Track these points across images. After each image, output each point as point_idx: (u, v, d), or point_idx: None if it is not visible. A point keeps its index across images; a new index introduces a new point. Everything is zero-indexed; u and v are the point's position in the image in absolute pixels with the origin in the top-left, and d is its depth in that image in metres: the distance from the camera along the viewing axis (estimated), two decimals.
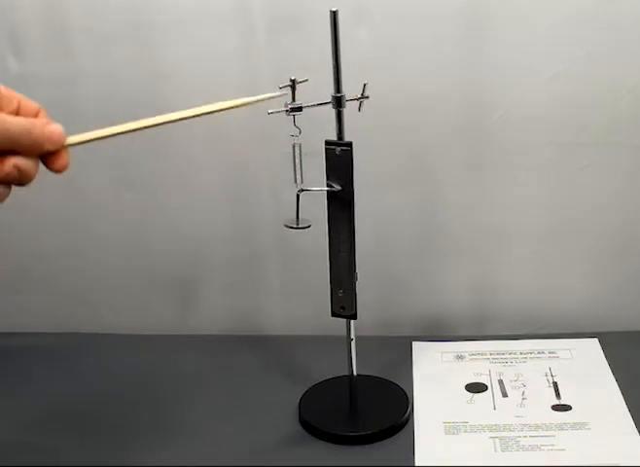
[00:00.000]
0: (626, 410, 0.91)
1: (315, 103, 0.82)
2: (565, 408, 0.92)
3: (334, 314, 0.89)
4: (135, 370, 1.04)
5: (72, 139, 0.64)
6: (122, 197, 1.08)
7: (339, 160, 0.83)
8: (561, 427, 0.89)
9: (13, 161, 0.60)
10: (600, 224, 1.05)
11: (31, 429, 0.93)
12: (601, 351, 1.03)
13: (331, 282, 0.88)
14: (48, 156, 0.62)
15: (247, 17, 0.99)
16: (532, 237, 1.06)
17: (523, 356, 1.03)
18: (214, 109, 0.70)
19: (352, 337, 0.91)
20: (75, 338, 1.11)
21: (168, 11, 0.99)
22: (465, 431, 0.90)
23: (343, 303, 0.88)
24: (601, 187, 1.03)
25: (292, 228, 0.84)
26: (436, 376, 1.00)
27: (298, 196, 0.83)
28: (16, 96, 0.64)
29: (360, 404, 0.94)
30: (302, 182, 0.83)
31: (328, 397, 0.96)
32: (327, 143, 0.83)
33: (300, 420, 0.93)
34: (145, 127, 0.68)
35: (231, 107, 0.70)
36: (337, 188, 0.84)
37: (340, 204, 0.85)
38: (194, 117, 0.68)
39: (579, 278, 1.08)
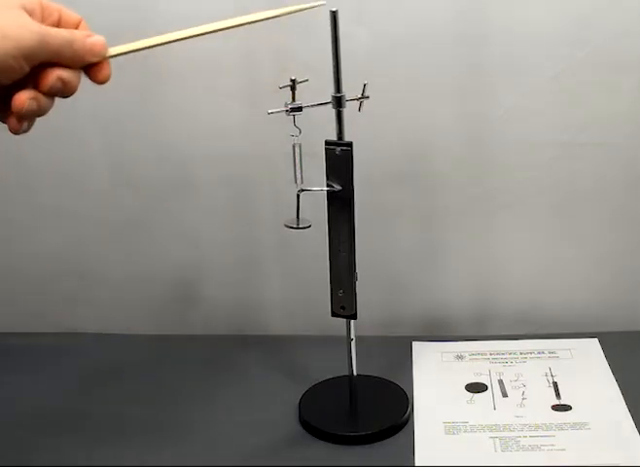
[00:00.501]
0: (626, 410, 0.91)
1: (315, 103, 0.82)
2: (565, 408, 0.92)
3: (334, 314, 0.89)
4: (135, 370, 1.04)
5: (114, 50, 0.64)
6: (122, 197, 1.08)
7: (339, 160, 0.83)
8: (561, 427, 0.89)
9: (57, 73, 0.60)
10: (600, 224, 1.05)
11: (31, 429, 0.93)
12: (601, 351, 1.03)
13: (331, 282, 0.88)
14: (90, 67, 0.63)
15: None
16: (532, 237, 1.06)
17: (523, 356, 1.03)
18: (247, 21, 0.70)
19: (352, 337, 0.91)
20: (75, 338, 1.11)
21: (168, 11, 0.99)
22: (465, 431, 0.90)
23: (343, 303, 0.88)
24: (601, 187, 1.03)
25: (292, 228, 0.84)
26: (436, 376, 1.00)
27: (298, 196, 0.83)
28: (56, 8, 0.64)
29: (360, 404, 0.94)
30: (302, 182, 0.83)
31: (328, 397, 0.96)
32: (327, 143, 0.83)
33: (300, 420, 0.93)
34: (183, 38, 0.70)
35: (262, 19, 0.71)
36: (338, 188, 0.84)
37: (340, 204, 0.85)
38: (229, 28, 0.70)
39: (579, 278, 1.08)
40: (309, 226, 0.84)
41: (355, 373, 0.93)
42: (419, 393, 0.96)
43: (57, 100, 1.06)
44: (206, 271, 1.11)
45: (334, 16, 0.78)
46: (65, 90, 0.62)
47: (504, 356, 1.03)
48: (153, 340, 1.10)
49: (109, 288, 1.13)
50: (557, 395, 0.95)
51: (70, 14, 0.65)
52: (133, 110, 1.04)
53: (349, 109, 0.82)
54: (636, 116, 1.00)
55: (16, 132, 0.62)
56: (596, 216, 1.05)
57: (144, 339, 1.10)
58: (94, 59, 0.63)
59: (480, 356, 1.04)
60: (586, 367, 1.00)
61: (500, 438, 0.88)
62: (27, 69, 0.59)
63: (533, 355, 1.03)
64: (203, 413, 0.95)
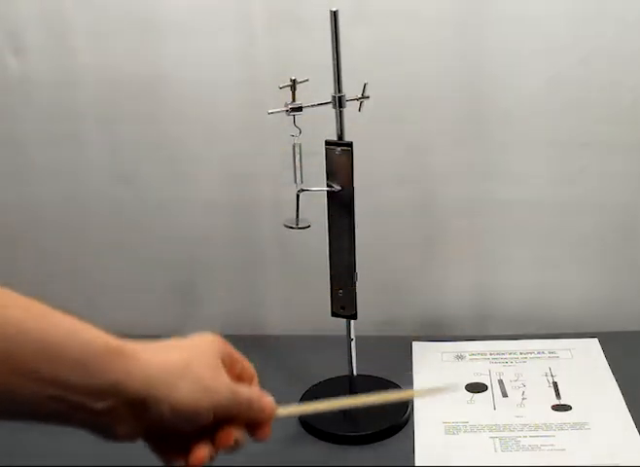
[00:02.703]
0: (626, 410, 0.91)
1: (315, 103, 0.82)
2: (565, 408, 0.92)
3: (334, 314, 0.89)
4: None
5: (281, 411, 0.64)
6: (121, 196, 1.08)
7: (339, 160, 0.83)
8: (561, 427, 0.89)
9: (235, 434, 0.60)
10: (600, 224, 1.05)
11: (31, 429, 0.93)
12: (601, 351, 1.03)
13: (331, 282, 0.88)
14: (253, 424, 0.62)
15: (247, 18, 0.99)
16: (532, 237, 1.06)
17: (523, 356, 1.03)
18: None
19: (352, 337, 0.91)
20: None
21: (169, 11, 0.99)
22: (465, 431, 0.90)
23: (343, 303, 0.88)
24: (601, 187, 1.03)
25: (292, 228, 0.84)
26: (436, 376, 1.00)
27: (298, 196, 0.83)
28: (240, 359, 0.66)
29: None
30: (301, 182, 0.83)
31: (328, 397, 0.96)
32: (327, 143, 0.83)
33: (300, 420, 0.93)
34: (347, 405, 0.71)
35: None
36: (337, 188, 0.84)
37: (340, 204, 0.85)
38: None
39: (579, 278, 1.08)
40: (309, 226, 0.84)
41: (355, 373, 0.93)
42: None
43: (57, 100, 1.06)
44: (206, 271, 1.11)
45: (334, 16, 0.78)
46: (236, 449, 0.62)
47: (504, 356, 1.03)
48: (153, 340, 1.10)
49: (109, 288, 1.13)
50: (557, 395, 0.95)
51: (249, 368, 0.66)
52: (133, 110, 1.04)
53: (349, 109, 0.82)
54: (636, 116, 1.00)
55: None
56: (596, 216, 1.05)
57: (144, 339, 1.10)
58: (263, 420, 0.62)
59: (480, 356, 1.04)
60: (586, 367, 1.00)
61: (500, 438, 0.88)
62: (211, 421, 0.59)
63: (533, 355, 1.03)
64: None
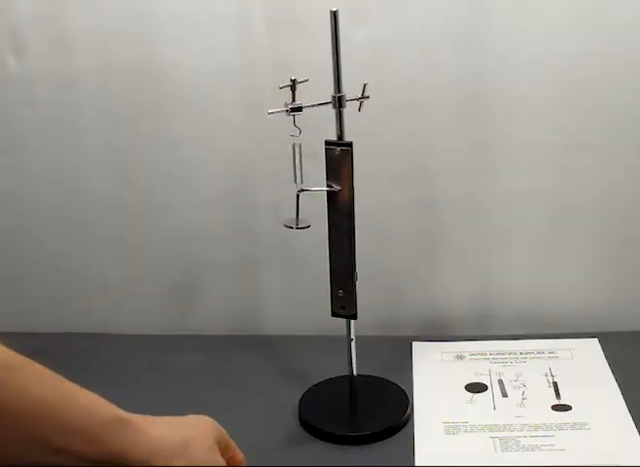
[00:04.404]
0: (626, 410, 0.91)
1: (315, 103, 0.82)
2: (565, 408, 0.92)
3: (334, 314, 0.89)
4: (135, 370, 1.04)
5: None
6: (122, 197, 1.08)
7: (339, 160, 0.83)
8: (561, 427, 0.89)
9: None
10: (600, 224, 1.05)
11: None
12: (601, 351, 1.03)
13: (331, 282, 0.88)
14: None
15: (247, 18, 0.99)
16: (532, 238, 1.06)
17: (523, 356, 1.03)
18: None
19: (352, 337, 0.91)
20: (75, 338, 1.11)
21: (169, 10, 0.99)
22: (465, 431, 0.90)
23: (343, 303, 0.88)
24: (601, 187, 1.03)
25: (291, 228, 0.84)
26: (436, 376, 1.00)
27: (298, 196, 0.83)
28: (233, 446, 0.70)
29: (360, 404, 0.94)
30: (302, 182, 0.83)
31: (328, 397, 0.96)
32: (327, 143, 0.83)
33: (300, 420, 0.93)
34: None
35: None
36: (337, 188, 0.84)
37: (340, 204, 0.85)
38: None
39: (579, 278, 1.08)
40: (309, 226, 0.84)
41: (355, 373, 0.93)
42: (419, 393, 0.96)
43: (57, 100, 1.06)
44: (206, 271, 1.11)
45: (334, 16, 0.78)
46: None
47: (504, 356, 1.03)
48: (153, 340, 1.10)
49: (109, 288, 1.13)
50: (557, 395, 0.95)
51: (239, 455, 0.71)
52: (133, 110, 1.04)
53: (349, 109, 0.82)
54: (635, 116, 1.00)
55: None
56: (596, 216, 1.05)
57: (144, 339, 1.10)
58: None
59: (480, 356, 1.04)
60: (586, 367, 1.00)
61: (500, 438, 0.88)
62: None
63: (533, 355, 1.03)
64: (203, 414, 0.94)
